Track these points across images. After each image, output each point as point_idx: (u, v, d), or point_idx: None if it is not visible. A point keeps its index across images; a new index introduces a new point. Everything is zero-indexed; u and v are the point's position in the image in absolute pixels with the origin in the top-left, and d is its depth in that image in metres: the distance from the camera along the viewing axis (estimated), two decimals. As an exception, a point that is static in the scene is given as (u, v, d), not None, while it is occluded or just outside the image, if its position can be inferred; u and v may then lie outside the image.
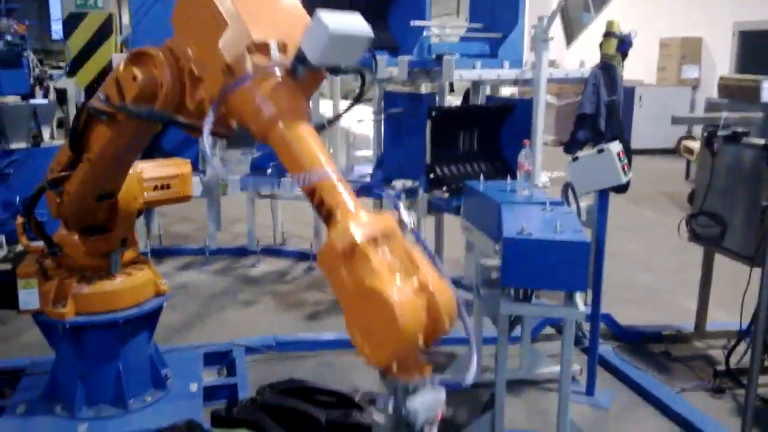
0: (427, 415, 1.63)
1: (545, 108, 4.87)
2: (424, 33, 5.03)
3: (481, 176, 4.00)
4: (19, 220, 3.44)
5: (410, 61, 4.64)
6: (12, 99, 5.39)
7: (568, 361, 3.15)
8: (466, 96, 5.73)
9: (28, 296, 3.26)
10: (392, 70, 4.73)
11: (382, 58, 4.78)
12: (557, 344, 4.56)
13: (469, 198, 4.03)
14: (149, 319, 3.60)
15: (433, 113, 4.55)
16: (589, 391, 3.91)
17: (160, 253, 6.63)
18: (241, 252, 6.67)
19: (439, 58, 4.40)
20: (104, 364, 3.43)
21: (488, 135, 4.96)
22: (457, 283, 5.70)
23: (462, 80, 4.69)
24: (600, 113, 4.91)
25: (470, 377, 1.68)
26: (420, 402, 1.62)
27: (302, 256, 6.50)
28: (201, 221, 7.40)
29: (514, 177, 4.04)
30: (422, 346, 1.64)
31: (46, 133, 5.56)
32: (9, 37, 5.17)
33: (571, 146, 5.29)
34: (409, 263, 1.69)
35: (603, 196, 3.75)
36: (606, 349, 4.44)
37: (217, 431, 2.57)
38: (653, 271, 6.55)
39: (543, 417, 3.74)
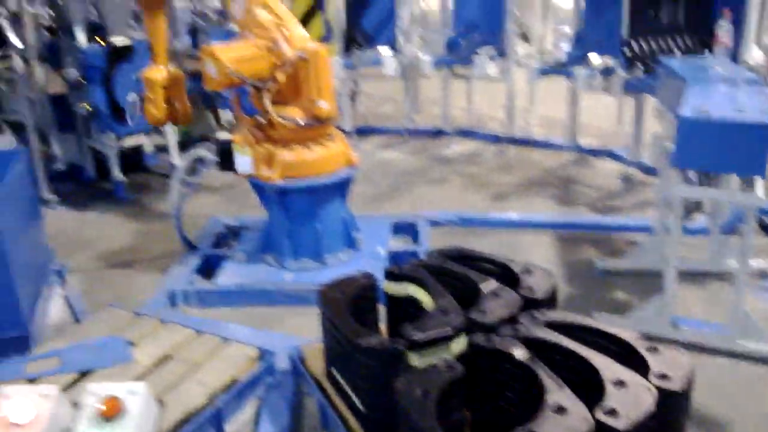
0: None
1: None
2: None
3: (677, 52, 3.71)
4: (234, 97, 3.98)
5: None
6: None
7: (745, 250, 2.99)
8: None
9: (243, 161, 3.84)
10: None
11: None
12: (758, 239, 4.26)
13: (662, 76, 3.78)
14: (342, 186, 4.03)
15: (633, -17, 4.23)
16: (782, 288, 3.65)
17: (365, 132, 7.13)
18: (437, 133, 6.92)
19: None
20: (305, 224, 3.97)
21: (697, 5, 4.48)
22: (647, 169, 5.47)
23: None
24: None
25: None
26: None
27: (495, 138, 6.59)
28: (403, 102, 7.74)
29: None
30: None
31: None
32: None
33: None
34: None
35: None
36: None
37: (387, 284, 2.91)
38: None
39: (722, 309, 3.60)
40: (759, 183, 2.88)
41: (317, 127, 3.84)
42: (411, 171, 6.10)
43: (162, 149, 6.10)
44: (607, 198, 5.25)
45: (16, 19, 5.25)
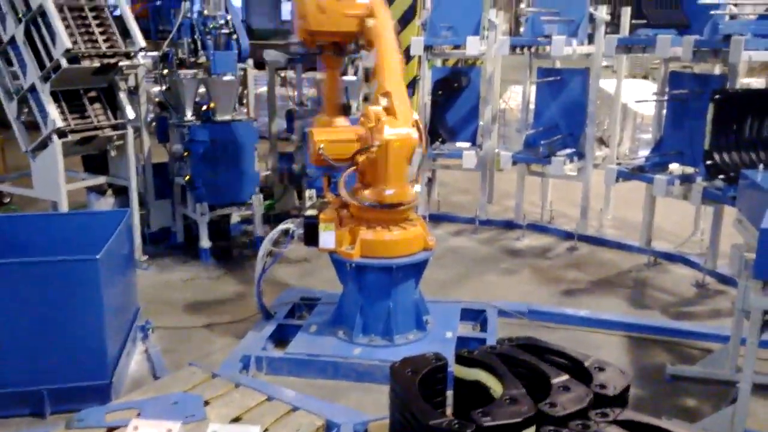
0: None
1: None
2: (718, 11, 4.75)
3: (761, 165, 3.76)
4: (325, 177, 4.27)
5: (696, 40, 4.46)
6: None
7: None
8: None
9: (327, 237, 4.07)
10: (676, 49, 4.61)
11: (666, 37, 4.66)
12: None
13: (744, 187, 3.82)
14: (417, 269, 4.18)
15: (717, 96, 4.34)
16: None
17: (438, 219, 7.31)
18: (509, 225, 7.02)
19: (727, 37, 4.18)
20: (378, 302, 4.11)
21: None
22: (722, 278, 5.39)
23: (752, 61, 4.38)
24: None
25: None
26: None
27: (567, 235, 6.63)
28: (477, 193, 7.91)
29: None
30: None
31: (354, 105, 6.52)
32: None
33: None
34: None
35: None
36: None
37: (458, 367, 2.98)
38: None
39: (802, 428, 3.46)
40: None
41: (386, 210, 4.03)
42: (481, 259, 6.19)
43: (247, 221, 6.46)
44: (680, 304, 5.17)
45: (133, 93, 5.81)
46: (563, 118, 6.24)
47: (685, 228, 6.47)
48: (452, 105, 6.62)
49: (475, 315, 4.73)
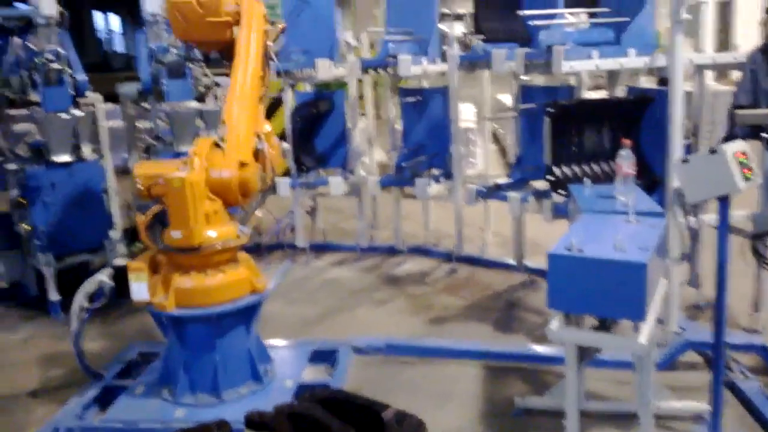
0: None
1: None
2: (544, 21, 4.63)
3: (586, 180, 3.61)
4: (139, 218, 3.90)
5: (526, 53, 4.33)
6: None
7: (645, 395, 2.74)
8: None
9: (139, 288, 3.69)
10: (510, 63, 4.47)
11: (500, 51, 4.52)
12: (699, 375, 3.99)
13: (570, 203, 3.67)
14: (245, 315, 3.84)
15: (549, 109, 4.20)
16: (712, 433, 3.33)
17: (320, 248, 7.00)
18: (392, 250, 6.77)
19: (549, 48, 4.05)
20: (203, 355, 3.76)
21: (622, 131, 4.43)
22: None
23: (574, 71, 4.27)
24: (760, 105, 4.09)
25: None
26: None
27: (448, 257, 6.41)
28: (369, 219, 7.63)
29: (652, 180, 3.61)
30: None
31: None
32: (175, 50, 5.80)
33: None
34: None
35: (723, 203, 3.14)
36: (752, 386, 3.75)
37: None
38: None
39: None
40: (645, 327, 2.65)
41: (186, 255, 3.67)
42: (357, 291, 5.91)
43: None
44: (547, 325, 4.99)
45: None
46: (429, 138, 6.05)
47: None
48: (318, 131, 6.34)
49: (328, 355, 4.43)
